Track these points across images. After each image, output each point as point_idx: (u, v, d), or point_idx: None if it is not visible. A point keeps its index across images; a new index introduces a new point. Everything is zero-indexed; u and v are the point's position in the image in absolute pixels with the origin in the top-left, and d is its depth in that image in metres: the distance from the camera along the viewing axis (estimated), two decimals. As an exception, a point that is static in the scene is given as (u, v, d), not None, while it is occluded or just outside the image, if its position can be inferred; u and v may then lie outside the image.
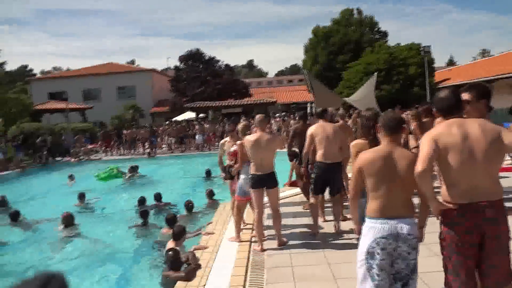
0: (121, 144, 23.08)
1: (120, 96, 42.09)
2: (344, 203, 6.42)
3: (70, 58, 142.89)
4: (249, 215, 6.67)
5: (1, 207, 10.16)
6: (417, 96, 24.93)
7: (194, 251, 5.49)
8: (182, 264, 5.16)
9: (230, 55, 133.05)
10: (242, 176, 5.88)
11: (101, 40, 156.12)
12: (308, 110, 26.90)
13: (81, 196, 10.34)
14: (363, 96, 13.91)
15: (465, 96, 2.99)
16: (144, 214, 7.87)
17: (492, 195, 2.66)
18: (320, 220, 6.24)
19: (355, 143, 4.34)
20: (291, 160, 7.65)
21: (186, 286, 4.58)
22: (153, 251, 6.70)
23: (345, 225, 6.04)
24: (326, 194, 6.33)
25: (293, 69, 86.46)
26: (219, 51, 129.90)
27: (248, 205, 6.25)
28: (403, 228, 2.79)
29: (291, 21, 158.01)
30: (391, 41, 32.71)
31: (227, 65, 41.46)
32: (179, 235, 5.86)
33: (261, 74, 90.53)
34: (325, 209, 6.61)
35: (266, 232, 5.85)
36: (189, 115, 32.57)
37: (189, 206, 8.44)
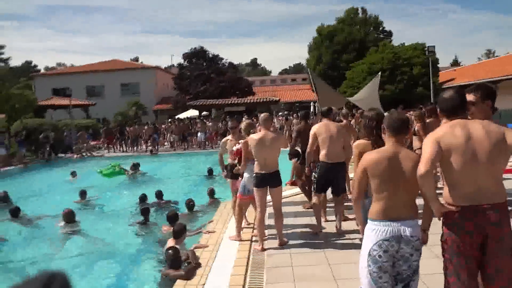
0: (124, 141, 23.09)
1: (124, 93, 42.20)
2: (345, 203, 6.38)
3: (74, 54, 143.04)
4: (250, 214, 6.65)
5: (3, 203, 10.16)
6: (420, 96, 24.85)
7: (194, 250, 5.47)
8: (182, 263, 5.14)
9: (234, 53, 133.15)
10: (246, 175, 5.85)
11: (105, 37, 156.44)
12: (312, 109, 26.90)
13: (82, 193, 10.34)
14: (367, 95, 13.86)
15: (469, 97, 2.95)
16: (145, 212, 7.86)
17: (495, 197, 2.62)
18: (321, 220, 6.20)
19: (357, 143, 4.30)
20: (290, 159, 7.62)
21: (186, 285, 4.56)
22: (153, 249, 6.68)
23: (346, 225, 6.01)
24: (329, 194, 6.30)
25: (297, 68, 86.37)
26: (223, 49, 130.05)
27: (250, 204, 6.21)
28: (406, 230, 2.75)
29: (295, 19, 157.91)
30: (396, 41, 32.61)
31: (230, 63, 41.44)
32: (179, 234, 5.84)
33: (265, 72, 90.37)
34: (327, 209, 6.58)
35: (266, 232, 5.83)
36: (192, 113, 32.59)
37: (190, 204, 8.42)
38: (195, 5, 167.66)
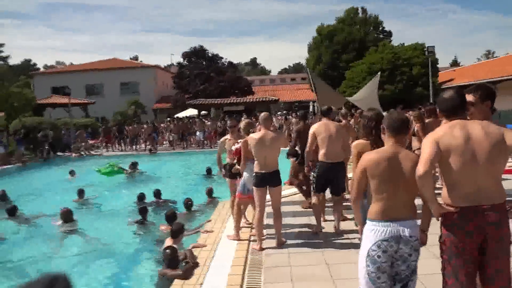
0: (122, 140, 23.07)
1: (123, 92, 42.19)
2: (344, 203, 6.36)
3: (74, 53, 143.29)
4: (249, 213, 6.64)
5: (1, 202, 10.13)
6: (420, 96, 24.88)
7: (192, 249, 5.45)
8: (179, 262, 5.12)
9: (233, 52, 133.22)
10: (245, 174, 5.83)
11: (105, 36, 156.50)
12: (311, 109, 26.89)
13: (80, 192, 10.31)
14: (366, 95, 13.86)
15: (469, 97, 2.94)
16: (143, 211, 7.84)
17: (494, 198, 2.61)
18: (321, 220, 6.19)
19: (356, 143, 4.29)
20: (288, 157, 7.61)
21: (184, 284, 4.54)
22: (151, 248, 6.66)
23: (345, 225, 6.00)
24: (327, 194, 6.29)
25: (297, 68, 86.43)
26: (223, 48, 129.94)
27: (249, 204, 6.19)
28: (405, 230, 2.74)
29: (295, 19, 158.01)
30: (396, 41, 32.67)
31: (230, 63, 41.44)
32: (177, 233, 5.82)
33: (264, 72, 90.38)
34: (326, 209, 6.56)
35: (265, 231, 5.81)
36: (191, 112, 32.59)
37: (188, 204, 8.40)
38: (195, 4, 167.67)
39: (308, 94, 37.31)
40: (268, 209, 5.91)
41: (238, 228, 5.93)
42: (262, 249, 5.39)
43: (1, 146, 18.82)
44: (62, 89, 30.92)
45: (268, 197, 5.60)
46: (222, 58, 41.14)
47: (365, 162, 2.89)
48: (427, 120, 8.11)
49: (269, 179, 5.46)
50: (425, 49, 25.95)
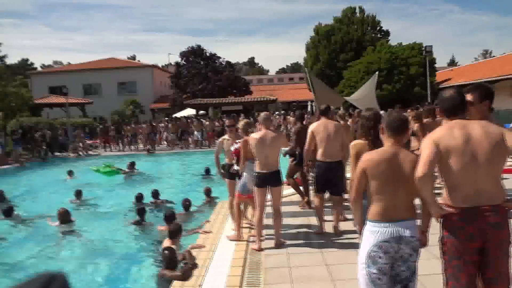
0: (120, 140, 23.03)
1: (121, 91, 42.13)
2: (344, 203, 6.35)
3: (71, 52, 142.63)
4: (249, 213, 6.63)
5: (0, 202, 10.10)
6: (418, 96, 24.93)
7: (191, 250, 5.44)
8: (178, 263, 5.11)
9: (231, 52, 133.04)
10: (245, 174, 5.82)
11: (102, 35, 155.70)
12: (309, 108, 26.90)
13: (78, 193, 10.28)
14: (364, 95, 13.86)
15: (467, 97, 2.93)
16: (141, 212, 7.81)
17: (494, 199, 2.60)
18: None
19: (354, 144, 4.27)
20: (285, 155, 7.61)
21: (182, 285, 4.53)
22: (149, 249, 6.64)
23: (344, 226, 5.99)
24: (326, 194, 6.27)
25: (295, 67, 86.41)
26: (220, 47, 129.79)
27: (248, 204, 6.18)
28: (406, 230, 2.73)
29: (293, 18, 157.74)
30: (393, 41, 32.61)
31: (228, 62, 41.40)
32: (175, 234, 5.80)
33: (262, 71, 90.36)
34: (325, 209, 6.55)
35: (264, 232, 5.79)
36: (189, 111, 32.54)
37: (186, 204, 8.38)
38: (193, 3, 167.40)
39: (306, 93, 37.28)
40: (267, 209, 5.90)
41: (239, 227, 5.91)
42: (261, 249, 5.38)
43: (-2, 146, 18.76)
44: (59, 89, 30.77)
45: (268, 197, 5.60)
46: (220, 57, 41.11)
47: (365, 162, 2.88)
48: (425, 120, 8.12)
49: (270, 179, 5.45)
50: (423, 48, 26.02)
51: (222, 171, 6.53)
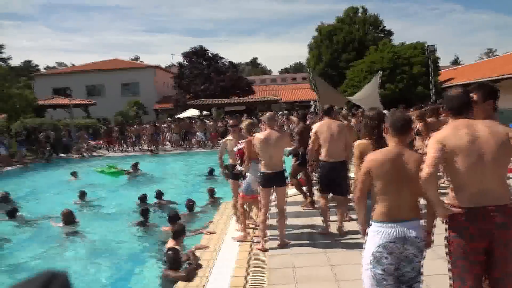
0: (124, 141, 23.06)
1: (124, 92, 42.20)
2: (349, 204, 6.34)
3: (74, 54, 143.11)
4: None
5: (4, 203, 10.13)
6: (421, 96, 24.84)
7: (195, 251, 5.44)
8: (182, 264, 5.11)
9: (234, 52, 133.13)
10: (249, 174, 5.81)
11: (105, 36, 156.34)
12: (312, 108, 26.88)
13: (82, 194, 10.30)
14: (367, 95, 13.85)
15: (471, 96, 2.91)
16: (144, 213, 7.82)
17: (501, 199, 2.58)
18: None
19: (358, 143, 4.26)
20: (287, 155, 7.60)
21: (186, 286, 4.53)
22: (153, 250, 6.65)
23: (348, 226, 5.97)
24: (329, 194, 6.26)
25: (297, 67, 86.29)
26: (223, 48, 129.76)
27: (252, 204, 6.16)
28: (411, 231, 2.72)
29: (295, 18, 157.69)
30: (396, 40, 32.55)
31: (231, 63, 41.39)
32: (178, 234, 5.80)
33: (265, 71, 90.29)
34: (329, 209, 6.53)
35: (268, 232, 5.79)
36: (192, 112, 32.56)
37: (189, 205, 8.38)
38: (193, 3, 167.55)
39: (309, 93, 37.29)
40: (271, 210, 5.89)
41: (245, 228, 5.90)
42: (265, 249, 5.38)
43: (3, 147, 18.80)
44: (63, 90, 30.88)
45: (272, 197, 5.59)
46: (222, 58, 41.11)
47: (369, 162, 2.87)
48: (429, 120, 8.10)
49: (274, 179, 5.45)
50: (426, 48, 25.94)
51: (226, 171, 6.52)
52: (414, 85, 25.93)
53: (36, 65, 69.82)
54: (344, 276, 4.44)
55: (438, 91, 25.44)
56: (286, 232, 5.76)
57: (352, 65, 29.13)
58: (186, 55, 40.51)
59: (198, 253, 5.38)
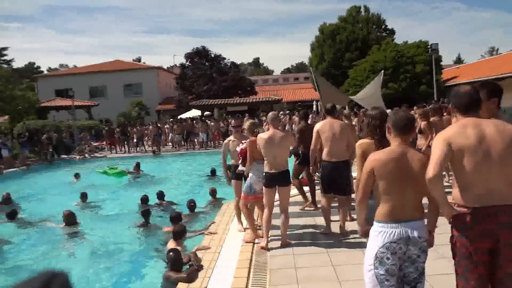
0: (126, 142, 23.11)
1: (126, 93, 42.32)
2: (352, 203, 6.30)
3: (77, 55, 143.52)
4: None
5: (6, 205, 10.15)
6: (424, 94, 24.77)
7: (196, 252, 5.41)
8: (183, 265, 5.09)
9: (236, 52, 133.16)
10: (251, 175, 5.78)
11: (107, 37, 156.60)
12: (314, 108, 26.84)
13: (83, 195, 10.30)
14: (370, 94, 13.76)
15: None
16: (145, 214, 7.80)
17: (506, 199, 2.53)
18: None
19: (360, 143, 4.22)
20: (290, 156, 7.57)
21: (188, 287, 4.50)
22: (154, 251, 6.63)
23: (350, 226, 5.94)
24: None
25: (300, 67, 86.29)
26: (225, 48, 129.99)
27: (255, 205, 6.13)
28: (414, 231, 2.68)
29: (297, 18, 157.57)
30: (398, 39, 32.47)
31: (233, 63, 41.44)
32: (179, 235, 5.78)
33: (267, 71, 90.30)
34: (332, 209, 6.50)
35: (270, 232, 5.75)
36: (195, 113, 32.60)
37: (191, 205, 8.36)
38: (196, 4, 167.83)
39: (311, 93, 37.24)
40: (274, 209, 5.86)
41: (253, 228, 5.87)
42: (268, 248, 5.35)
43: (6, 149, 18.88)
44: (65, 92, 30.96)
45: (275, 197, 5.56)
46: (224, 58, 41.18)
47: (372, 162, 2.83)
48: (432, 119, 8.05)
49: (279, 179, 5.43)
50: (429, 46, 25.88)
51: (229, 174, 6.47)
52: (417, 84, 25.87)
53: (39, 66, 70.11)
54: (346, 276, 4.40)
55: (441, 90, 25.37)
56: (288, 232, 5.72)
57: (355, 65, 29.09)
58: (188, 56, 40.60)
59: (199, 254, 5.36)
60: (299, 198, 7.83)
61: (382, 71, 14.90)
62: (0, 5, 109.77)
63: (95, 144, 24.31)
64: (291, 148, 7.25)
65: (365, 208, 2.96)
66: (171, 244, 5.65)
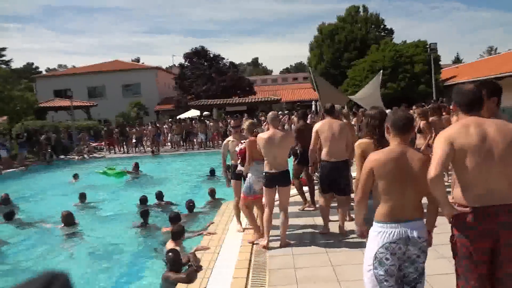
0: (125, 142, 23.08)
1: (125, 93, 42.28)
2: (351, 203, 6.29)
3: (75, 56, 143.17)
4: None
5: (5, 205, 10.13)
6: (423, 94, 24.79)
7: (195, 252, 5.40)
8: (182, 266, 5.07)
9: (234, 52, 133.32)
10: (250, 175, 5.77)
11: (106, 38, 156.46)
12: (313, 108, 26.83)
13: (82, 196, 10.27)
14: (369, 94, 13.77)
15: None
16: (144, 214, 7.78)
17: (507, 199, 2.52)
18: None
19: (359, 143, 4.21)
20: (289, 157, 7.56)
21: (187, 288, 4.49)
22: (153, 251, 6.60)
23: (350, 226, 5.93)
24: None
25: (298, 67, 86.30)
26: (224, 48, 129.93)
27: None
28: (414, 231, 2.67)
29: (296, 18, 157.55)
30: (397, 39, 32.55)
31: (232, 63, 41.42)
32: (177, 235, 5.77)
33: (266, 71, 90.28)
34: (330, 209, 6.49)
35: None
36: (194, 113, 32.58)
37: (190, 206, 8.34)
38: (195, 4, 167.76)
39: (310, 93, 37.26)
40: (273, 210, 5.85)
41: (257, 227, 5.85)
42: (268, 247, 5.34)
43: (4, 149, 18.84)
44: (64, 92, 30.90)
45: (275, 196, 5.55)
46: (223, 58, 41.15)
47: (372, 162, 2.81)
48: (431, 118, 8.05)
49: (279, 179, 5.42)
50: (427, 46, 25.91)
51: (228, 176, 6.45)
52: (416, 83, 25.90)
53: (37, 67, 70.05)
54: (346, 276, 4.40)
55: (440, 90, 25.39)
56: (288, 232, 5.71)
57: (353, 64, 29.11)
58: (187, 56, 40.56)
59: (198, 254, 5.34)
60: (299, 198, 7.81)
61: (381, 71, 14.91)
62: (0, 5, 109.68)
63: (93, 145, 24.27)
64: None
65: (364, 208, 2.95)
66: (170, 245, 5.64)
